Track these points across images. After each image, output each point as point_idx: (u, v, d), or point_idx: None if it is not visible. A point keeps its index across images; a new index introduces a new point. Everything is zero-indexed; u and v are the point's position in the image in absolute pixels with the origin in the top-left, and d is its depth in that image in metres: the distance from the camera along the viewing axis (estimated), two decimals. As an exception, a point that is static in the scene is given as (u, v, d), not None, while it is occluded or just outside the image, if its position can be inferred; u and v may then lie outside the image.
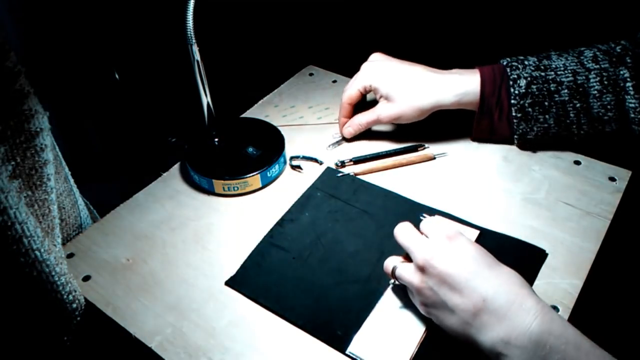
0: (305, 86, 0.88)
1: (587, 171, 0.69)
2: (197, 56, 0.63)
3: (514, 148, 0.73)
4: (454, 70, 0.71)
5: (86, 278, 0.59)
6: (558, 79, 0.65)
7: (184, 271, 0.59)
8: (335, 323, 0.53)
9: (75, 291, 0.55)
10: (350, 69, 0.77)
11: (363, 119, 0.74)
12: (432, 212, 0.63)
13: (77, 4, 0.82)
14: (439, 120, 0.75)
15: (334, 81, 0.89)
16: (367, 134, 0.76)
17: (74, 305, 0.55)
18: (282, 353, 0.51)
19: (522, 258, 0.58)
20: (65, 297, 0.53)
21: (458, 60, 0.73)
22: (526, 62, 0.67)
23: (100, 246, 0.63)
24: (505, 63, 0.68)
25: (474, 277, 0.46)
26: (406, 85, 0.69)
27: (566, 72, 0.65)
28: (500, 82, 0.67)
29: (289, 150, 0.74)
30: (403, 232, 0.52)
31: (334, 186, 0.69)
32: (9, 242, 0.47)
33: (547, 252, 0.59)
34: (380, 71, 0.71)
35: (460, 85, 0.68)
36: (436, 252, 0.48)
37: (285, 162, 0.73)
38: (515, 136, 0.70)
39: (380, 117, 0.72)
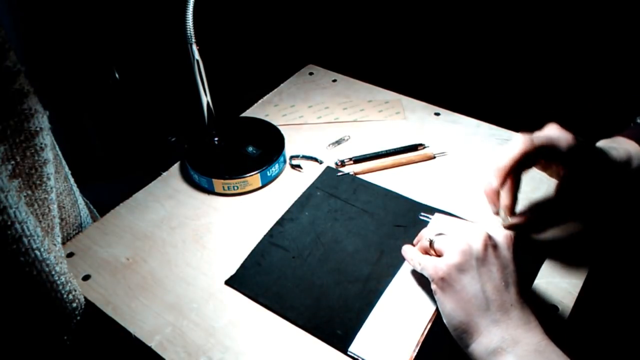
0: (305, 85, 0.88)
1: (587, 170, 0.69)
2: (197, 56, 0.63)
3: (514, 147, 0.73)
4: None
5: (86, 277, 0.59)
6: None
7: (184, 270, 0.59)
8: (335, 322, 0.53)
9: (75, 290, 0.55)
10: (350, 69, 0.77)
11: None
12: (432, 211, 0.63)
13: (77, 4, 0.82)
14: (438, 120, 0.75)
15: (334, 80, 0.89)
16: (366, 134, 0.76)
17: (74, 305, 0.55)
18: (281, 352, 0.51)
19: (522, 258, 0.58)
20: (65, 296, 0.53)
21: (458, 59, 0.73)
22: None
23: (100, 245, 0.63)
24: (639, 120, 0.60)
25: (520, 283, 0.48)
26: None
27: None
28: None
29: (289, 149, 0.74)
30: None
31: (333, 185, 0.69)
32: (8, 242, 0.47)
33: (547, 251, 0.59)
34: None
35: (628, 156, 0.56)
36: (504, 244, 0.49)
37: (285, 162, 0.73)
38: None
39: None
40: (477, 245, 0.48)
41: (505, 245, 0.49)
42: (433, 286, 0.50)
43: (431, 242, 0.52)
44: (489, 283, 0.47)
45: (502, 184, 0.52)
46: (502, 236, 0.50)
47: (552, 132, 0.53)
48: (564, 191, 0.53)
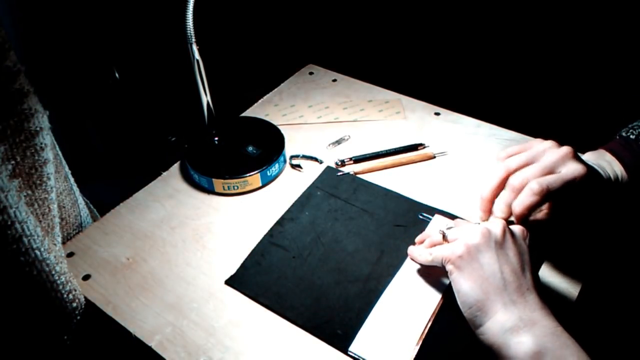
0: (305, 85, 0.88)
1: (587, 170, 0.69)
2: (197, 55, 0.63)
3: (514, 147, 0.73)
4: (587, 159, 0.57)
5: (86, 277, 0.59)
6: None
7: (184, 270, 0.59)
8: (335, 322, 0.53)
9: (75, 290, 0.55)
10: (350, 69, 0.77)
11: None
12: (432, 211, 0.63)
13: (76, 3, 0.82)
14: (439, 120, 0.75)
15: (334, 80, 0.89)
16: (366, 134, 0.76)
17: (74, 305, 0.55)
18: (281, 352, 0.51)
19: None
20: (65, 296, 0.53)
21: (458, 59, 0.73)
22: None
23: (100, 245, 0.63)
24: (624, 133, 0.61)
25: (534, 273, 0.49)
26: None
27: None
28: (626, 143, 0.59)
29: (289, 149, 0.74)
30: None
31: (333, 185, 0.69)
32: (9, 241, 0.47)
33: (547, 251, 0.59)
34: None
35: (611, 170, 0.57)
36: (519, 233, 0.50)
37: (285, 161, 0.73)
38: None
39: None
40: (497, 229, 0.49)
41: (521, 236, 0.50)
42: (449, 266, 0.50)
43: (444, 235, 0.52)
44: (507, 265, 0.47)
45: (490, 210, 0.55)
46: (518, 228, 0.51)
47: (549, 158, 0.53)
48: (556, 212, 0.54)
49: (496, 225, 0.49)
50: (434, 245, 0.54)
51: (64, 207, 0.63)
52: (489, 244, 0.48)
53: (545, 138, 0.73)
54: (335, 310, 0.54)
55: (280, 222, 0.64)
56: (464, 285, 0.48)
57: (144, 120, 0.96)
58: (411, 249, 0.57)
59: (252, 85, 0.91)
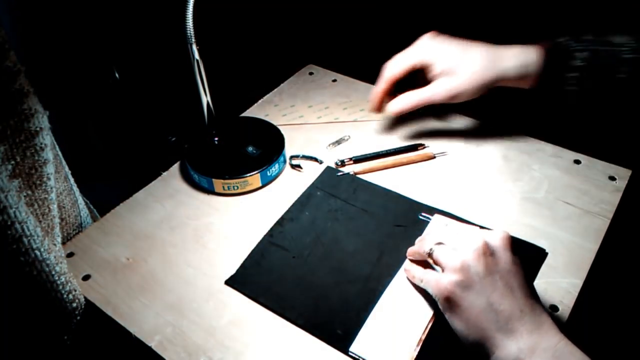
0: (305, 85, 0.88)
1: (587, 170, 0.69)
2: (197, 55, 0.63)
3: (514, 147, 0.73)
4: (514, 46, 0.67)
5: (86, 277, 0.59)
6: (617, 55, 0.62)
7: (184, 270, 0.59)
8: (336, 322, 0.53)
9: (75, 290, 0.55)
10: (350, 69, 0.77)
11: (415, 96, 0.68)
12: (432, 211, 0.63)
13: (76, 3, 0.82)
14: (439, 120, 0.75)
15: (334, 80, 0.89)
16: (366, 134, 0.76)
17: (74, 305, 0.55)
18: (281, 352, 0.51)
19: (522, 257, 0.58)
20: (65, 296, 0.53)
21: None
22: (585, 38, 0.64)
23: (100, 245, 0.63)
24: (564, 40, 0.65)
25: (526, 283, 0.47)
26: (468, 59, 0.66)
27: (625, 47, 0.62)
28: (561, 56, 0.64)
29: (289, 149, 0.74)
30: (435, 245, 0.51)
31: (333, 185, 0.69)
32: (8, 242, 0.47)
33: (547, 251, 0.59)
34: (438, 45, 0.67)
35: (523, 59, 0.65)
36: (500, 248, 0.48)
37: (285, 162, 0.73)
38: (567, 103, 0.66)
39: (435, 94, 0.67)
40: (475, 257, 0.47)
41: (503, 247, 0.49)
42: (440, 305, 0.49)
43: (430, 252, 0.51)
44: (494, 293, 0.46)
45: (387, 92, 0.69)
46: (498, 239, 0.49)
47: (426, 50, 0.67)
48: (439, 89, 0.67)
49: (475, 252, 0.47)
50: (422, 257, 0.53)
51: (64, 207, 0.63)
52: (471, 277, 0.47)
53: (546, 139, 0.73)
54: (335, 311, 0.54)
55: (280, 222, 0.64)
56: (459, 327, 0.47)
57: (144, 120, 0.96)
58: (408, 266, 0.56)
59: (252, 86, 0.91)
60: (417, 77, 0.70)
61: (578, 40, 0.64)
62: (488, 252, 0.48)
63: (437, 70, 0.67)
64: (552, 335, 0.45)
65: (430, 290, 0.51)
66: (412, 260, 0.56)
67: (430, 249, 0.51)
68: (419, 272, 0.53)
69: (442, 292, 0.48)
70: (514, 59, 0.65)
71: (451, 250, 0.49)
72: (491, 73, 0.65)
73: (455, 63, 0.66)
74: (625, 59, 0.62)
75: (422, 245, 0.54)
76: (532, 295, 0.47)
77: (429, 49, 0.68)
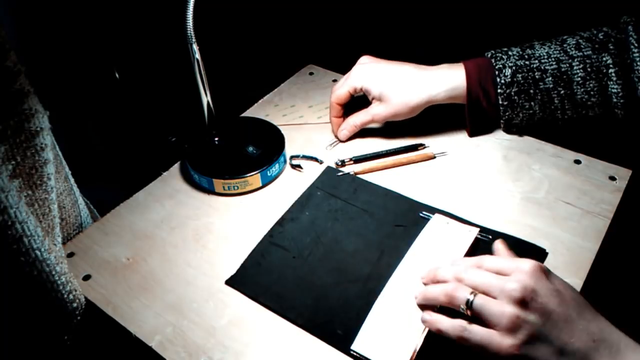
0: (305, 85, 0.88)
1: (588, 170, 0.69)
2: (197, 55, 0.63)
3: (514, 147, 0.73)
4: (442, 66, 0.72)
5: (86, 277, 0.59)
6: (542, 67, 0.67)
7: (184, 270, 0.59)
8: (336, 322, 0.53)
9: (76, 290, 0.55)
10: (350, 69, 0.77)
11: (357, 120, 0.74)
12: (432, 211, 0.63)
13: (76, 3, 0.82)
14: (438, 120, 0.75)
15: (334, 80, 0.89)
16: (367, 134, 0.76)
17: (74, 305, 0.55)
18: (282, 352, 0.51)
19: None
20: (65, 296, 0.53)
21: (456, 57, 0.73)
22: (510, 53, 0.69)
23: (101, 245, 0.63)
24: (489, 55, 0.70)
25: (577, 304, 0.45)
26: (397, 85, 0.70)
27: (550, 60, 0.67)
28: (486, 74, 0.69)
29: (289, 149, 0.74)
30: (471, 269, 0.48)
31: (334, 185, 0.69)
32: (9, 242, 0.47)
33: (547, 251, 0.59)
34: (371, 73, 0.72)
35: (449, 80, 0.69)
36: (538, 283, 0.44)
37: (285, 162, 0.73)
38: (502, 121, 0.72)
39: (374, 117, 0.73)
40: (524, 308, 0.43)
41: (539, 280, 0.45)
42: None
43: (468, 304, 0.46)
44: (560, 335, 0.43)
45: (339, 115, 0.75)
46: (531, 274, 0.45)
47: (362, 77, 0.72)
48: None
49: (521, 299, 0.43)
50: (456, 305, 0.47)
51: (64, 207, 0.63)
52: (533, 332, 0.43)
53: (546, 139, 0.73)
54: (336, 310, 0.54)
55: (280, 222, 0.64)
56: None
57: (144, 120, 0.96)
58: (433, 320, 0.49)
59: (252, 86, 0.91)
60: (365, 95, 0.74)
61: (502, 54, 0.69)
62: (531, 295, 0.44)
63: (373, 94, 0.72)
64: (632, 350, 0.43)
65: (481, 346, 0.45)
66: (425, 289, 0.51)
67: (468, 301, 0.46)
68: (456, 325, 0.47)
69: (508, 357, 0.44)
70: (442, 83, 0.69)
71: (496, 304, 0.45)
72: (421, 98, 0.70)
73: (387, 90, 0.70)
74: (547, 69, 0.67)
75: (454, 292, 0.47)
76: (591, 314, 0.45)
77: (362, 75, 0.72)
